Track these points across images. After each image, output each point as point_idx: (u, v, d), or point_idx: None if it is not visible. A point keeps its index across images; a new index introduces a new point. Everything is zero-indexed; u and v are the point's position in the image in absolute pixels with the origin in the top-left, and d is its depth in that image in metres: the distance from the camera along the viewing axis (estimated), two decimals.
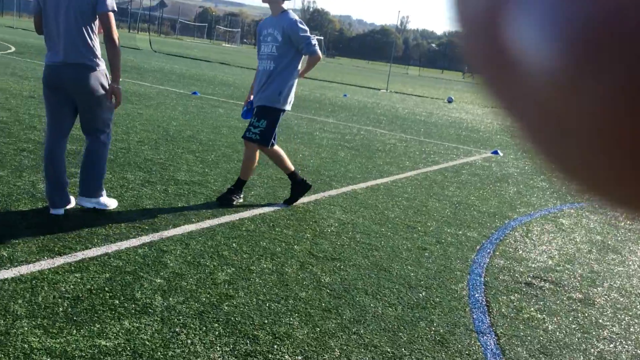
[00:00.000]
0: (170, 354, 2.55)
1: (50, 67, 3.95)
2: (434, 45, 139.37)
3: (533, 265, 4.42)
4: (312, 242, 4.25)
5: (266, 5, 4.85)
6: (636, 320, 3.68)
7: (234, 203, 4.91)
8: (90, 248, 3.55)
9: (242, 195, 5.04)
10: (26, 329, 2.57)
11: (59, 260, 3.31)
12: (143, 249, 3.67)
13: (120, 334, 2.64)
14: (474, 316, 3.39)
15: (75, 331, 2.60)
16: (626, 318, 3.69)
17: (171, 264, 3.49)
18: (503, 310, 3.53)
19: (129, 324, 2.73)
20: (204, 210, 4.65)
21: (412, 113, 16.17)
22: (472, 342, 3.08)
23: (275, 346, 2.75)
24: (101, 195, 4.22)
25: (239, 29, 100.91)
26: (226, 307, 3.04)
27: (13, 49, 19.00)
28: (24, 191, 4.46)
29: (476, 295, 3.71)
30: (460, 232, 5.05)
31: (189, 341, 2.67)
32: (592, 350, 3.20)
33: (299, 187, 5.15)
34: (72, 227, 3.87)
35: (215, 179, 5.71)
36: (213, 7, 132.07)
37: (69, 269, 3.21)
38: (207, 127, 8.67)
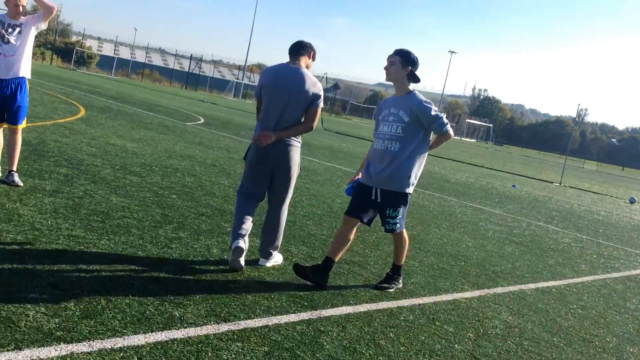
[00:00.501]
0: None
1: (257, 145, 4.63)
2: (614, 140, 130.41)
3: None
4: (474, 344, 3.96)
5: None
6: None
7: (391, 290, 4.79)
8: (252, 318, 3.63)
9: (400, 280, 4.91)
10: None
11: (224, 327, 3.41)
12: (301, 325, 3.67)
13: None
14: None
15: None
16: None
17: (327, 346, 3.43)
18: None
19: None
20: (362, 293, 4.58)
21: (588, 211, 14.98)
22: None
23: None
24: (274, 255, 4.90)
25: None
26: None
27: (202, 120, 21.12)
28: (199, 254, 4.76)
29: None
30: None
31: None
32: None
33: (319, 275, 4.55)
34: (238, 294, 4.00)
35: (375, 261, 5.64)
36: (383, 91, 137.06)
37: (232, 337, 3.29)
38: None
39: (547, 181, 24.38)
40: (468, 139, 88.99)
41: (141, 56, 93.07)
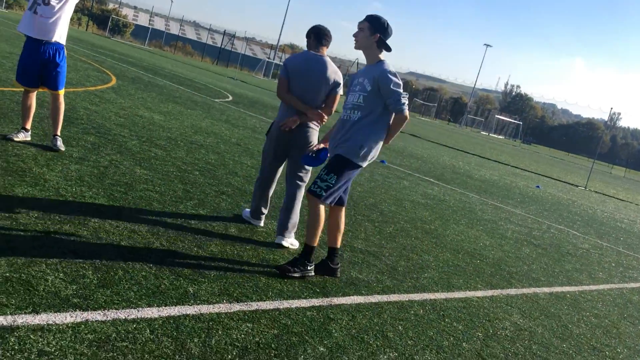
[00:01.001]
0: None
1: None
2: None
3: None
4: (482, 343, 3.97)
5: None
6: None
7: (295, 275, 4.22)
8: (264, 300, 3.68)
9: (310, 268, 4.32)
10: None
11: (236, 307, 3.47)
12: (312, 311, 3.71)
13: None
14: None
15: None
16: None
17: (336, 334, 3.47)
18: None
19: None
20: (375, 284, 4.60)
21: (611, 218, 14.76)
22: None
23: None
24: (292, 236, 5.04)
25: (436, 104, 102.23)
26: None
27: (230, 98, 21.21)
28: (217, 232, 4.82)
29: None
30: None
31: None
32: None
33: (326, 267, 4.46)
34: (252, 275, 4.06)
35: (391, 252, 5.66)
36: (414, 80, 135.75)
37: (242, 317, 3.35)
38: (389, 198, 8.73)
39: (572, 184, 24.04)
40: (496, 135, 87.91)
41: (175, 28, 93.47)
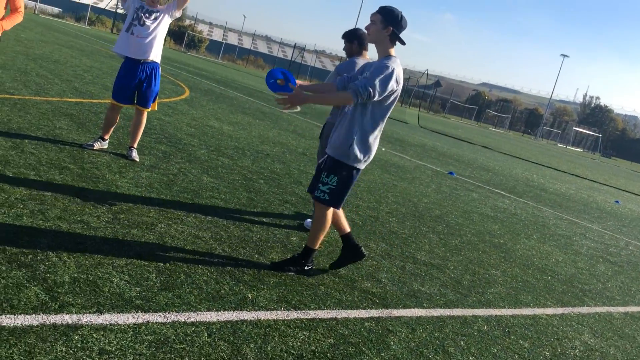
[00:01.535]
0: None
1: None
2: None
3: None
4: None
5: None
6: None
7: (291, 272, 4.17)
8: (322, 309, 3.67)
9: (308, 268, 4.26)
10: None
11: (293, 314, 3.47)
12: (370, 322, 3.66)
13: None
14: None
15: None
16: None
17: (394, 347, 3.40)
18: None
19: None
20: (437, 297, 4.49)
21: None
22: None
23: None
24: None
25: (510, 115, 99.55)
26: None
27: (299, 109, 21.43)
28: (278, 240, 4.86)
29: None
30: None
31: None
32: None
33: (351, 253, 4.40)
34: (311, 283, 4.05)
35: (456, 266, 5.52)
36: (487, 91, 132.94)
37: (299, 325, 3.34)
38: (457, 210, 8.54)
39: None
40: (574, 148, 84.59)
41: (247, 42, 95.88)
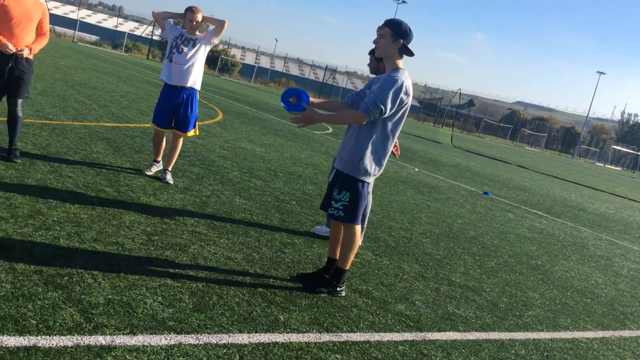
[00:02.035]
0: None
1: None
2: None
3: None
4: None
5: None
6: None
7: (323, 294, 4.12)
8: (355, 332, 3.62)
9: (340, 290, 4.18)
10: None
11: (325, 337, 3.43)
12: (404, 346, 3.59)
13: None
14: None
15: None
16: None
17: None
18: None
19: None
20: (473, 320, 4.39)
21: None
22: None
23: None
24: None
25: (546, 134, 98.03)
26: None
27: (330, 130, 21.52)
28: (310, 261, 4.84)
29: None
30: None
31: None
32: None
33: (323, 279, 4.22)
34: (344, 305, 4.01)
35: (492, 288, 5.40)
36: (522, 110, 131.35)
37: (332, 348, 3.30)
38: (492, 231, 8.39)
39: None
40: (612, 167, 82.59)
41: (279, 65, 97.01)
